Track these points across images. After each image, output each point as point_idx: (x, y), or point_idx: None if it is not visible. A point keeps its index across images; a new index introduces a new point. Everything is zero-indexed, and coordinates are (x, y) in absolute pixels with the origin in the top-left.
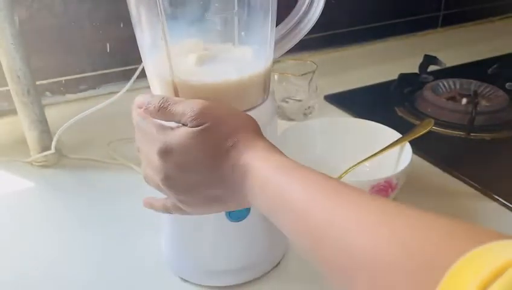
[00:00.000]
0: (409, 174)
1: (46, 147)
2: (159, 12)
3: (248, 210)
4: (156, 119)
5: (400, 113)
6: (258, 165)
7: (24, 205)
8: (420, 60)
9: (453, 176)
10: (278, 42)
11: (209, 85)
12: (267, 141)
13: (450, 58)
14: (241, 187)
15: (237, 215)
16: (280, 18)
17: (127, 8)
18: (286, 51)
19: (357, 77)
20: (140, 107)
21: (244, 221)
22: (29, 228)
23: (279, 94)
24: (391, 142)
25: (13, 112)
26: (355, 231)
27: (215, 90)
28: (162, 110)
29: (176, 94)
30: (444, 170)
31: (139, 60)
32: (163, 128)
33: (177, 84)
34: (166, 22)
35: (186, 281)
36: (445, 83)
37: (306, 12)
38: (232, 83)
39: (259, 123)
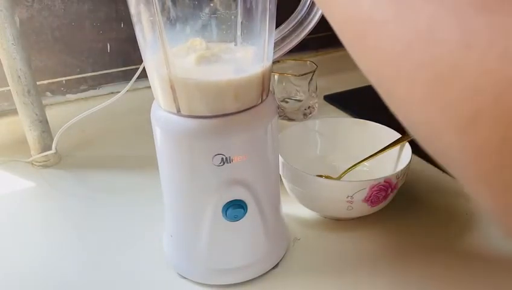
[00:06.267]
0: (408, 174)
1: (47, 147)
2: (155, 11)
3: (245, 211)
4: None
5: None
6: None
7: (24, 205)
8: None
9: (453, 176)
10: (279, 42)
11: (206, 84)
12: None
13: None
14: None
15: (233, 215)
16: (282, 19)
17: (127, 8)
18: (287, 51)
19: (357, 77)
20: None
21: (241, 221)
22: (29, 228)
23: (279, 94)
24: (391, 142)
25: (14, 112)
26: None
27: (212, 89)
28: None
29: (174, 93)
30: (444, 170)
31: (139, 60)
32: None
33: (175, 82)
34: (169, 22)
35: (185, 278)
36: None
37: (308, 13)
38: (230, 83)
39: (259, 123)
